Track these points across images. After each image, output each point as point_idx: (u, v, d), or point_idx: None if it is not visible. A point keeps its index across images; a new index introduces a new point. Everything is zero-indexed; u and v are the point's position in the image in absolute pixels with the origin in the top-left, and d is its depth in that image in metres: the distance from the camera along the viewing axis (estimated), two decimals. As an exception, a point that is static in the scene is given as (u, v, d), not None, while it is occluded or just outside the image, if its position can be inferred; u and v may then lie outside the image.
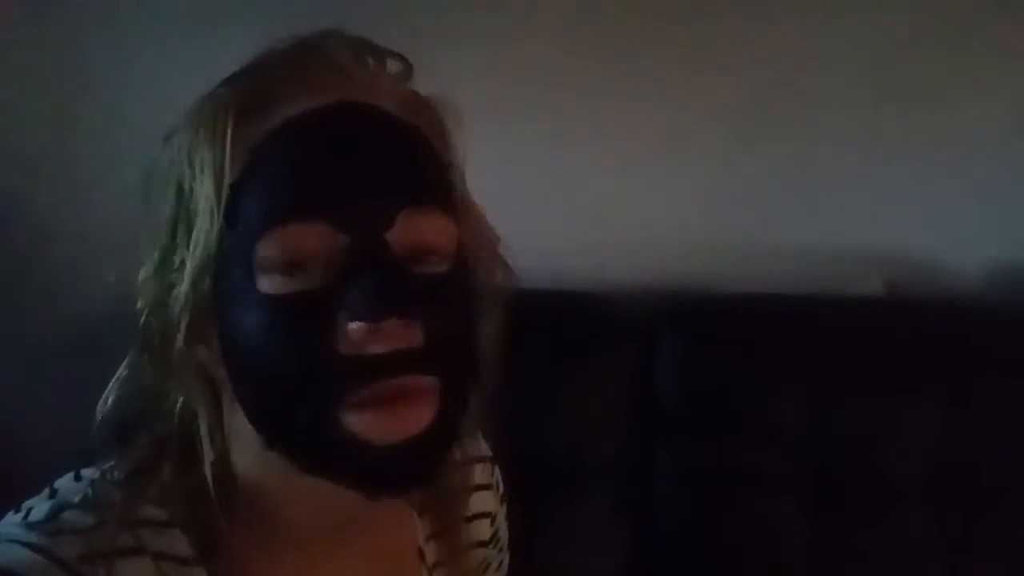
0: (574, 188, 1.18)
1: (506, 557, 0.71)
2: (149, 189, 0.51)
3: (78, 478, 0.52)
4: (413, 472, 0.47)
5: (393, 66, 0.53)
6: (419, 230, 0.47)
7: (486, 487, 0.66)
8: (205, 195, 0.48)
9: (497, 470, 0.69)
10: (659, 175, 1.21)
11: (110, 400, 0.52)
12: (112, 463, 0.52)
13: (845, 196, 1.23)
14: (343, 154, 0.47)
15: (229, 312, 0.47)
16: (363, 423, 0.45)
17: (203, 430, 0.51)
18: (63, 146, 1.16)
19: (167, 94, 0.51)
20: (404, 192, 0.48)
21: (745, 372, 1.11)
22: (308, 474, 0.47)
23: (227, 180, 0.47)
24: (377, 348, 0.45)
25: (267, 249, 0.46)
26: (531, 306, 0.60)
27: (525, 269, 0.58)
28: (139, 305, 0.51)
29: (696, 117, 1.20)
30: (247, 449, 0.50)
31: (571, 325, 1.11)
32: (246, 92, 0.49)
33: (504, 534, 0.70)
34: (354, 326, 0.44)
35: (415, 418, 0.46)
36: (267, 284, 0.46)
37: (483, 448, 0.68)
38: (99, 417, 0.52)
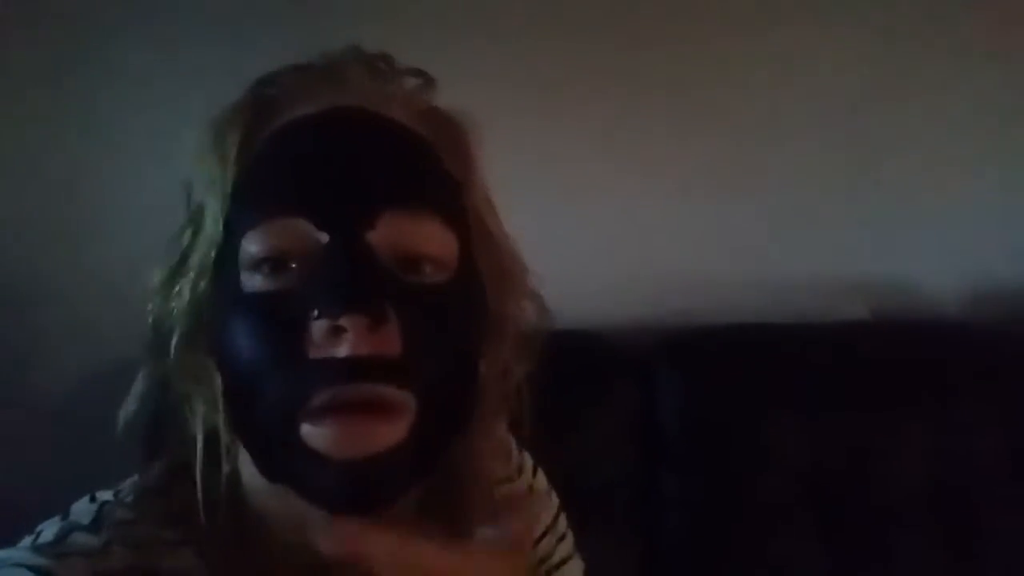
0: (571, 229, 1.21)
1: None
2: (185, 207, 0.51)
3: (92, 500, 0.51)
4: (375, 492, 0.42)
5: (411, 82, 0.52)
6: (407, 234, 0.45)
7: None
8: (211, 204, 0.48)
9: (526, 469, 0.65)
10: (654, 217, 1.26)
11: (131, 411, 0.51)
12: (127, 484, 0.51)
13: (828, 230, 1.28)
14: (329, 152, 0.45)
15: (219, 313, 0.46)
16: (322, 437, 0.42)
17: (199, 447, 0.49)
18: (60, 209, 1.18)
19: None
20: (390, 192, 0.45)
21: (741, 401, 1.14)
22: (274, 483, 0.45)
23: (230, 187, 0.47)
24: (342, 351, 0.41)
25: (250, 246, 0.45)
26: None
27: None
28: (148, 309, 0.50)
29: (689, 161, 1.25)
30: (251, 467, 0.48)
31: (572, 363, 1.12)
32: (256, 103, 0.49)
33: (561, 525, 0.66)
34: (317, 324, 0.42)
35: (380, 435, 0.42)
36: (250, 283, 0.45)
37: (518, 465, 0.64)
38: (121, 426, 0.51)
